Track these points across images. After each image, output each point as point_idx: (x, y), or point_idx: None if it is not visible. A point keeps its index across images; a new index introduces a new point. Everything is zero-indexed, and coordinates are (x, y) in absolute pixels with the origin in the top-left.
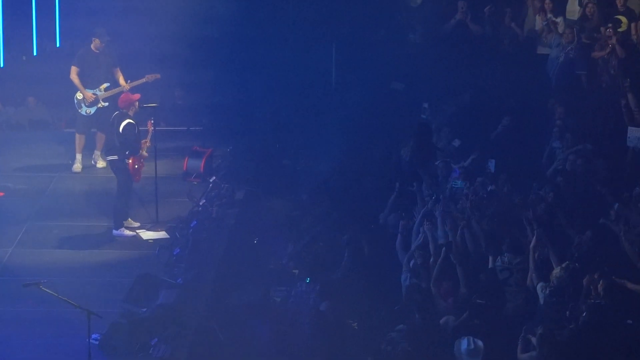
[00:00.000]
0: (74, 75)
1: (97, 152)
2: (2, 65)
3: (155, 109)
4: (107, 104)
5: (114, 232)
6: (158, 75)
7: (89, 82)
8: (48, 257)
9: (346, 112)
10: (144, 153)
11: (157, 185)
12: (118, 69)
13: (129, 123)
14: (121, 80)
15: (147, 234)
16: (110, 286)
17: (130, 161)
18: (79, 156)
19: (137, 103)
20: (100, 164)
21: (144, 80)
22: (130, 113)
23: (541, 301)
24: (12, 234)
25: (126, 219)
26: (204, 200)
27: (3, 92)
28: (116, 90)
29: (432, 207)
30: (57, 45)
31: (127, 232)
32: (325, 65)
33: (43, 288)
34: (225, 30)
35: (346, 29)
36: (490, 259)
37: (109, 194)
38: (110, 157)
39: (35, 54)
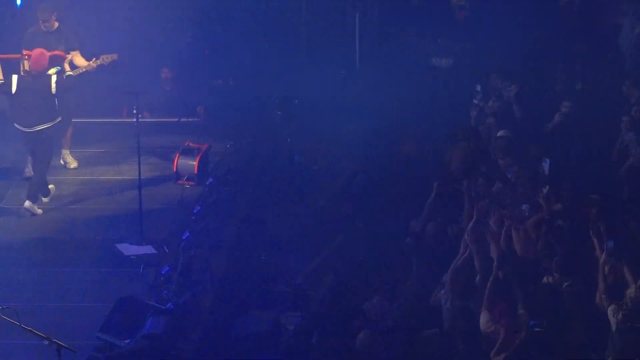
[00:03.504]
0: None
1: (66, 151)
2: None
3: (136, 96)
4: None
5: (26, 203)
6: (115, 56)
7: None
8: (8, 278)
9: (373, 97)
10: None
11: (141, 189)
12: (78, 52)
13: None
14: (81, 61)
15: (129, 249)
16: (84, 312)
17: None
18: None
19: None
20: (73, 164)
21: (99, 62)
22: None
23: (613, 327)
24: None
25: (47, 195)
26: (199, 208)
27: None
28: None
29: (485, 212)
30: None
31: (38, 210)
32: (347, 39)
33: (1, 316)
34: None
35: None
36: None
37: (83, 200)
38: (44, 126)
39: None
